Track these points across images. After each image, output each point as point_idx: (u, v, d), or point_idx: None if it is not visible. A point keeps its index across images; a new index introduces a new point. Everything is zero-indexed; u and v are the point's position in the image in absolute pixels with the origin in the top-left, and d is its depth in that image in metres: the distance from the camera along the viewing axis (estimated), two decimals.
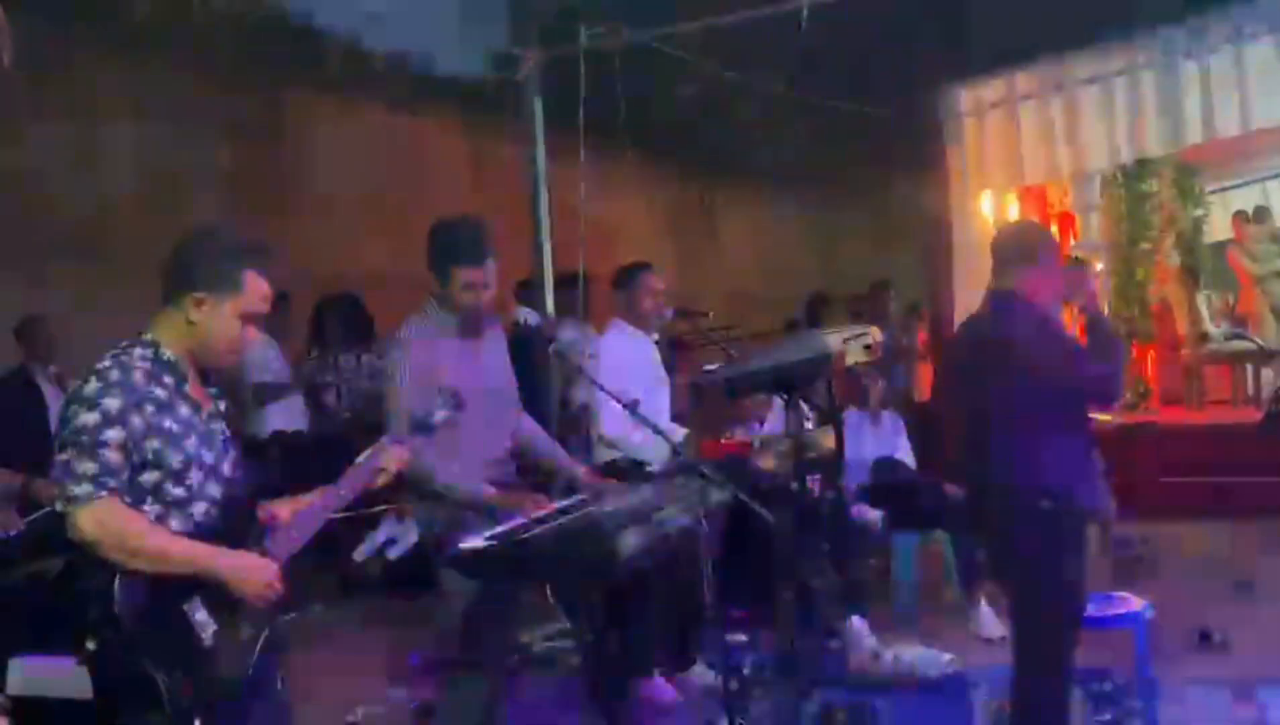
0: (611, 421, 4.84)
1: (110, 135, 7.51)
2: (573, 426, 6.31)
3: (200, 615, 2.56)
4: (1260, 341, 10.06)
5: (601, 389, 4.07)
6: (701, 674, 5.01)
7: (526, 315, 7.23)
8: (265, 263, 2.70)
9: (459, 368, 3.74)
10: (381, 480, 2.98)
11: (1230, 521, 7.12)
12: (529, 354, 5.85)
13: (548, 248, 7.08)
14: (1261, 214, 10.63)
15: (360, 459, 2.96)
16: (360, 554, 6.74)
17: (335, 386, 7.61)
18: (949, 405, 4.06)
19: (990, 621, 5.60)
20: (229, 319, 2.64)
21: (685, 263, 11.18)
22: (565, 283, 7.12)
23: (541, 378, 6.49)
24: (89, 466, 2.47)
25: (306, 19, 6.39)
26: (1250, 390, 10.20)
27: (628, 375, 4.72)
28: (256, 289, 2.67)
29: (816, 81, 8.92)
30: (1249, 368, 10.27)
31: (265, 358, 7.15)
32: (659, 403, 5.07)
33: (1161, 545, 6.59)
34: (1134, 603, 4.37)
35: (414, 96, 8.72)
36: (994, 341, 3.71)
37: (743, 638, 5.20)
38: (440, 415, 3.28)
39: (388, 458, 2.97)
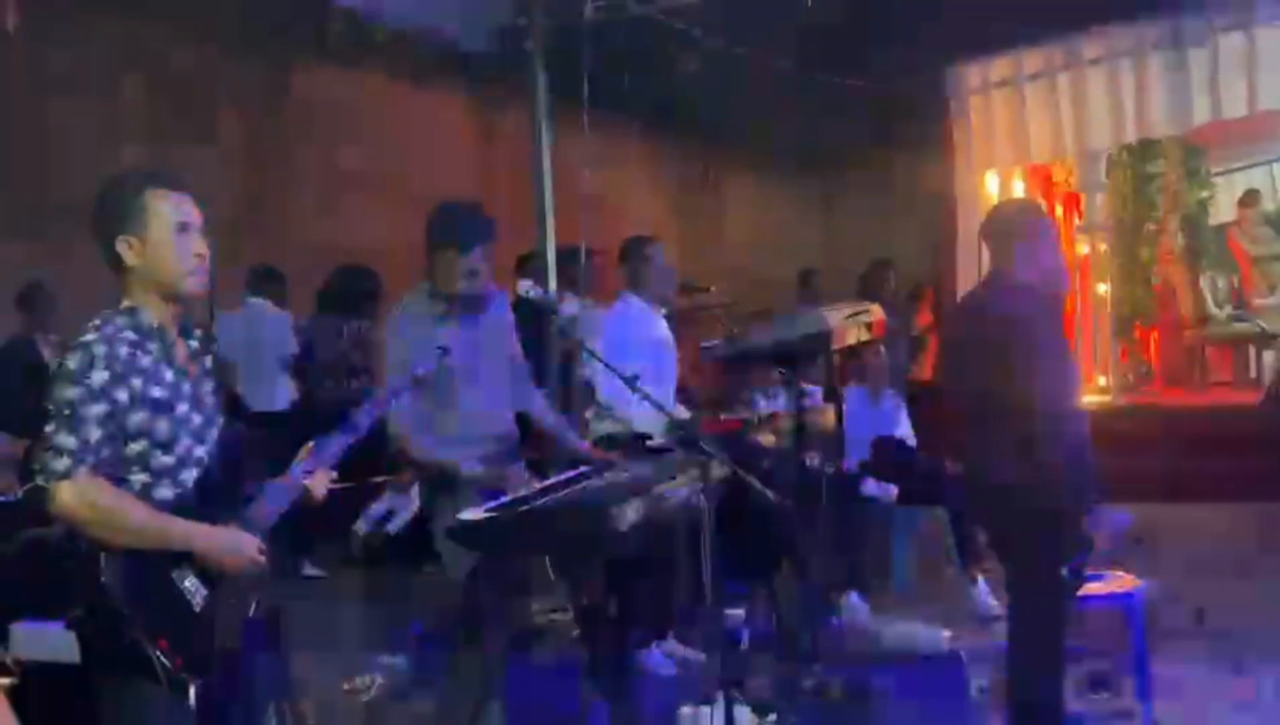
0: (612, 393, 4.84)
1: (114, 101, 7.49)
2: (574, 400, 6.32)
3: (189, 582, 2.56)
4: (1264, 324, 10.06)
5: (605, 364, 4.07)
6: (690, 652, 5.03)
7: (529, 288, 7.21)
8: (169, 180, 2.66)
9: (451, 343, 3.75)
10: (313, 497, 2.83)
11: (1231, 503, 7.13)
12: (531, 328, 5.84)
13: (550, 221, 7.07)
14: (1253, 196, 10.58)
15: (286, 477, 2.81)
16: (361, 525, 6.76)
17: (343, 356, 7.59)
18: (947, 385, 4.06)
19: (987, 599, 5.63)
20: (162, 244, 2.60)
21: (688, 238, 11.16)
22: (567, 257, 7.11)
23: (543, 352, 6.49)
24: (69, 441, 2.46)
25: None
26: (1252, 372, 10.20)
27: (635, 348, 4.73)
28: (168, 203, 2.62)
29: (822, 57, 8.88)
30: (1251, 350, 10.27)
31: (281, 332, 7.20)
32: (667, 375, 5.07)
33: (1161, 526, 6.60)
34: (1130, 582, 4.38)
35: (418, 67, 8.67)
36: (985, 325, 3.71)
37: (741, 613, 5.22)
38: (420, 370, 3.25)
39: (317, 490, 2.83)
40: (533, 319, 5.37)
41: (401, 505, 6.67)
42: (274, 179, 8.16)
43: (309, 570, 6.76)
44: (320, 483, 2.85)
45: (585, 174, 6.68)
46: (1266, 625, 5.07)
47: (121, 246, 2.60)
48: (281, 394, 7.28)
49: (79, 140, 7.16)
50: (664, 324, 5.30)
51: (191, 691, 2.50)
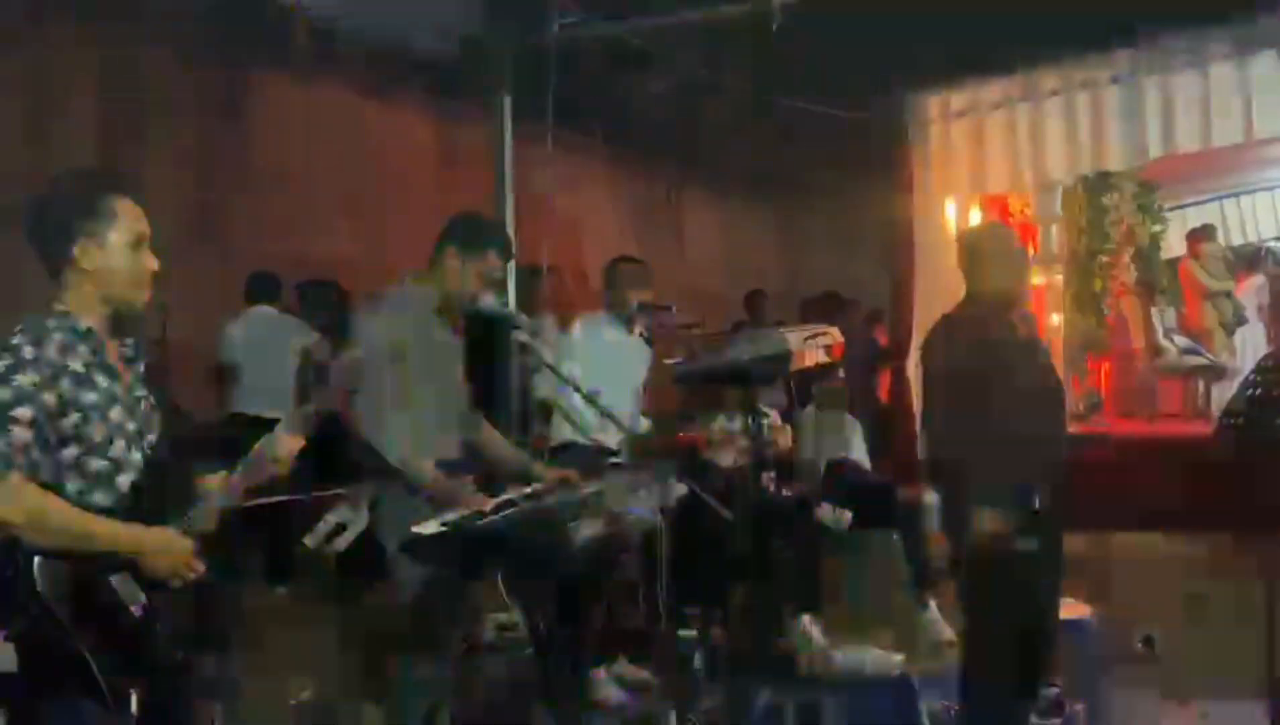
0: (571, 408, 4.83)
1: (68, 107, 7.37)
2: (533, 416, 6.27)
3: (127, 589, 2.50)
4: (1211, 357, 10.22)
5: (563, 378, 4.06)
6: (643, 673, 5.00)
7: (488, 302, 7.16)
8: (128, 189, 2.64)
9: (426, 347, 3.74)
10: (278, 470, 2.76)
11: (1180, 534, 7.21)
12: (491, 342, 5.81)
13: (512, 237, 7.03)
14: (1209, 231, 10.78)
15: (256, 447, 2.76)
16: (311, 539, 6.67)
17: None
18: (919, 404, 4.10)
19: (939, 624, 5.64)
20: (120, 250, 2.57)
21: (649, 257, 11.12)
22: (527, 275, 7.08)
23: (502, 367, 6.45)
24: None
25: None
26: (1201, 404, 10.35)
27: (609, 367, 4.74)
28: (131, 212, 2.60)
29: (786, 82, 8.94)
30: (1200, 382, 10.43)
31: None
32: (632, 392, 5.06)
33: (1111, 556, 6.66)
34: (1079, 610, 4.41)
35: (381, 80, 8.63)
36: (967, 344, 3.74)
37: (693, 634, 5.19)
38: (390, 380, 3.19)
39: (280, 447, 2.76)
40: (492, 334, 5.34)
41: (353, 519, 6.58)
42: (229, 189, 8.06)
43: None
44: (288, 448, 2.75)
45: (547, 191, 6.66)
46: (1215, 653, 5.12)
47: (79, 248, 2.55)
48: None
49: (31, 146, 7.05)
50: (632, 341, 5.25)
51: (134, 700, 2.45)
